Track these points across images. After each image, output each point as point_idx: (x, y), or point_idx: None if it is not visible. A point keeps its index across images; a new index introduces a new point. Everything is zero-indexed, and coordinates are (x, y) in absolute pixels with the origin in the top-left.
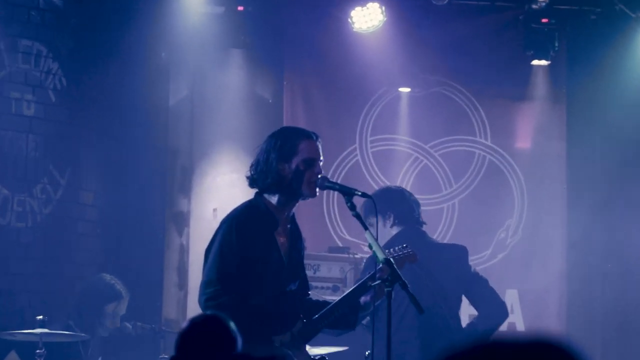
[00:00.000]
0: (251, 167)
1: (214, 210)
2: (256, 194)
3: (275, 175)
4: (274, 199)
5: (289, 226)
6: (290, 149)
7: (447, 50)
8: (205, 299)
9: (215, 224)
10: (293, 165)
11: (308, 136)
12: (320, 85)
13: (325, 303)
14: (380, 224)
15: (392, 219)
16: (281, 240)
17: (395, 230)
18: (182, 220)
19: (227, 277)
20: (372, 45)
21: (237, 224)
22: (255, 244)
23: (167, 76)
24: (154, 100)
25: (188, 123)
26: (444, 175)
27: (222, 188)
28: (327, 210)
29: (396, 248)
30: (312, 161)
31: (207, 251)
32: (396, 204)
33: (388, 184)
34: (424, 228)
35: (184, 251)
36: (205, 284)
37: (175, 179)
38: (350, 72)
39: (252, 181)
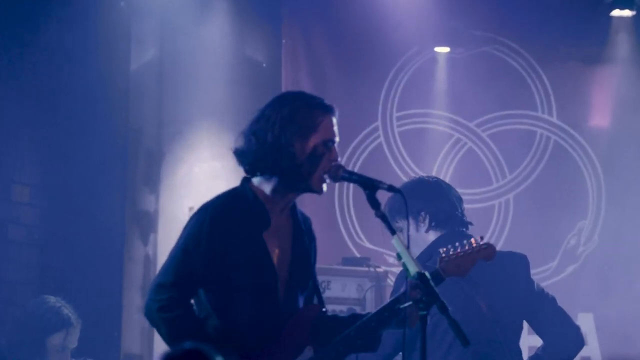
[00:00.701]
0: (246, 139)
1: (190, 209)
2: (244, 179)
3: (289, 156)
4: (267, 187)
5: (289, 222)
6: (309, 123)
7: None
8: (158, 308)
9: None
10: (310, 145)
11: (328, 109)
12: (331, 45)
13: (341, 322)
14: (412, 227)
15: (427, 220)
16: (273, 242)
17: (432, 236)
18: (147, 224)
19: (187, 281)
20: None
21: (212, 216)
22: (234, 245)
23: (127, 32)
24: (109, 65)
25: (155, 94)
26: (494, 162)
27: (200, 180)
28: (341, 208)
29: (463, 242)
30: (331, 143)
31: None
32: (432, 200)
33: (420, 174)
34: (470, 231)
35: (150, 264)
36: (156, 287)
37: (139, 169)
38: (370, 26)
39: (247, 160)
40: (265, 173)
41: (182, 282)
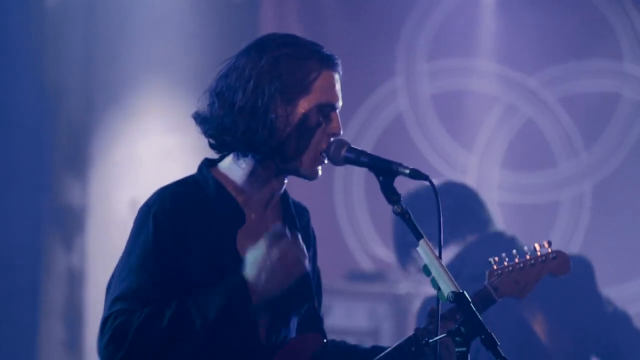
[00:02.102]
0: (210, 100)
1: (133, 202)
2: (203, 163)
3: (268, 125)
4: (238, 172)
5: (278, 218)
6: (297, 79)
7: None
8: (123, 322)
9: None
10: (299, 111)
11: (327, 61)
12: None
13: (352, 356)
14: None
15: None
16: (253, 236)
17: (469, 238)
18: (72, 224)
19: (145, 289)
20: None
21: (156, 216)
22: (192, 255)
23: None
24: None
25: (82, 41)
26: (564, 136)
27: (146, 162)
28: (345, 202)
29: (523, 249)
30: (329, 108)
31: None
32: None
33: (457, 155)
34: (523, 237)
35: (75, 281)
36: (111, 305)
37: (59, 147)
38: None
39: (210, 130)
40: (237, 150)
41: (138, 290)
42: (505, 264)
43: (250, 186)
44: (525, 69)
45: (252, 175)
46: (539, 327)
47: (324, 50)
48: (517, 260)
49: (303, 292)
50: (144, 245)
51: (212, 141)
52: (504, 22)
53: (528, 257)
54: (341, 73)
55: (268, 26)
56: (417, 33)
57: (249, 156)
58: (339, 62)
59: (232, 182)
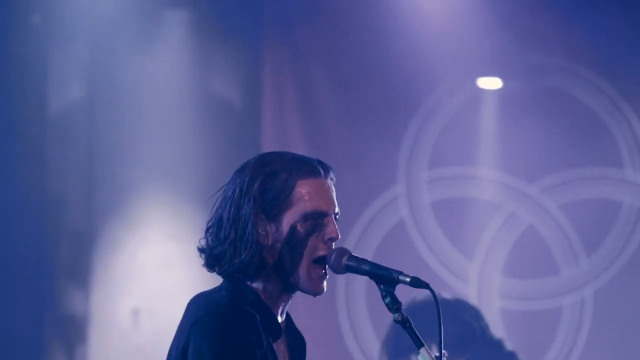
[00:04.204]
0: (208, 229)
1: (135, 312)
2: (231, 277)
3: (252, 247)
4: (258, 286)
5: (286, 332)
6: (277, 196)
7: (572, 12)
8: None
9: (138, 339)
10: (284, 228)
11: (312, 168)
12: (330, 77)
13: None
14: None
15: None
16: (282, 351)
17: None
18: (74, 333)
19: None
20: None
21: (237, 321)
22: None
23: (42, 61)
24: (18, 108)
25: (84, 151)
26: (566, 243)
27: (148, 271)
28: (347, 308)
29: None
30: (318, 216)
31: None
32: None
33: (457, 260)
34: (530, 344)
35: None
36: None
37: (60, 256)
38: (387, 48)
39: (211, 259)
40: (245, 274)
41: None
42: None
43: (267, 300)
44: (525, 176)
45: (267, 289)
46: None
47: (307, 157)
48: None
49: None
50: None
51: (209, 270)
52: (504, 129)
53: None
54: (333, 179)
55: (270, 133)
56: (418, 140)
57: (258, 276)
58: (327, 168)
59: (262, 293)
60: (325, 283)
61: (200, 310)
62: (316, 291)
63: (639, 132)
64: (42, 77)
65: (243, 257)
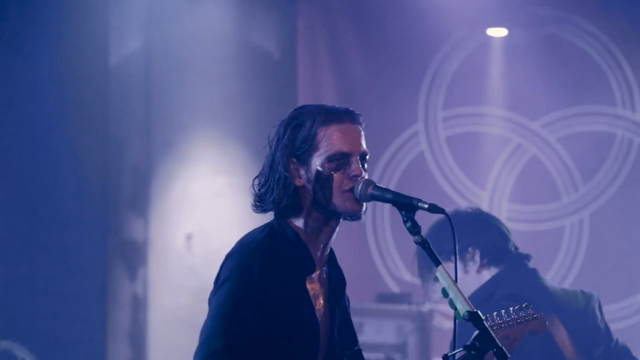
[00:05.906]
0: (256, 177)
1: (188, 237)
2: (277, 215)
3: (285, 188)
4: (300, 223)
5: (325, 268)
6: (304, 142)
7: None
8: None
9: (191, 260)
10: (313, 169)
11: (335, 116)
12: (357, 29)
13: None
14: (459, 267)
15: (477, 257)
16: (315, 290)
17: (487, 275)
18: (135, 256)
19: (240, 345)
20: None
21: (263, 257)
22: (281, 296)
23: (104, 19)
24: (83, 61)
25: (141, 96)
26: (564, 172)
27: (199, 201)
28: (375, 234)
29: (509, 310)
30: (341, 157)
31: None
32: (479, 232)
33: (472, 188)
34: (535, 260)
35: (139, 306)
36: (205, 353)
37: (122, 189)
38: (407, 4)
39: (257, 201)
40: (285, 213)
41: (233, 346)
42: (497, 320)
43: (308, 236)
44: (529, 113)
45: (307, 225)
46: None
47: (331, 106)
48: (506, 318)
49: (350, 337)
50: (249, 284)
51: (256, 211)
52: (511, 73)
53: (514, 315)
54: (361, 123)
55: (306, 80)
56: (434, 83)
57: (297, 213)
58: (348, 111)
59: (302, 231)
60: (360, 204)
61: (236, 245)
62: (355, 211)
63: (628, 73)
64: (104, 31)
65: (275, 196)
